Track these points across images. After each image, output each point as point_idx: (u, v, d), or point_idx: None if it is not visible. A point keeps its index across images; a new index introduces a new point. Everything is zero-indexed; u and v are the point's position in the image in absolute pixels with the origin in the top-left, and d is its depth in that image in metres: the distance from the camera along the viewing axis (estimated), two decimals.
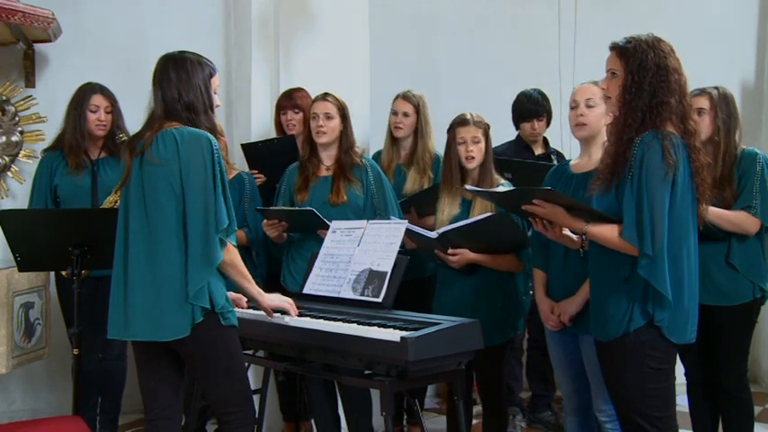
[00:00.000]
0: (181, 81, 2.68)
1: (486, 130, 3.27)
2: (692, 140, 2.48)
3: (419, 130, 3.99)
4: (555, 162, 4.32)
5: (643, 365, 2.47)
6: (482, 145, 3.26)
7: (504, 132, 4.34)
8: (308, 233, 3.56)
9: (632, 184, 2.43)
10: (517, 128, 4.39)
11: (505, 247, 3.17)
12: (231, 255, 2.69)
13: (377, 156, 4.17)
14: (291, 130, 4.05)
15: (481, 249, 3.14)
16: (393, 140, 4.07)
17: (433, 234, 3.13)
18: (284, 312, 2.98)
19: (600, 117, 2.93)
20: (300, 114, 4.01)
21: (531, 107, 4.29)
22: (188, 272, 2.58)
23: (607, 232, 2.49)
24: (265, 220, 3.58)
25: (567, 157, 4.38)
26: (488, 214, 3.10)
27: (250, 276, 2.80)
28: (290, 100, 4.07)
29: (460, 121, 3.29)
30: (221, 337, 2.65)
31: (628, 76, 2.49)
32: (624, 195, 2.45)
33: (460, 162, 3.28)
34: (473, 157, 3.25)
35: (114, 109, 3.91)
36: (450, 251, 3.15)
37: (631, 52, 2.49)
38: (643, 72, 2.46)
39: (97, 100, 3.86)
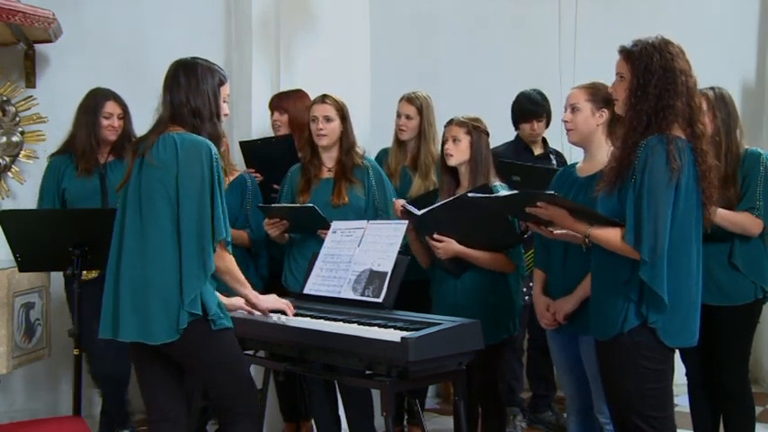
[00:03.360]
0: (190, 86, 2.69)
1: (469, 129, 3.26)
2: (699, 144, 2.47)
3: (422, 133, 3.98)
4: (554, 162, 4.32)
5: (639, 366, 2.48)
6: (463, 144, 3.26)
7: (505, 132, 4.34)
8: (309, 233, 3.56)
9: (635, 187, 2.43)
10: (516, 128, 4.39)
11: (494, 242, 3.16)
12: (227, 263, 2.71)
13: (381, 155, 4.18)
14: (277, 130, 4.09)
15: (470, 243, 3.14)
16: (399, 143, 4.07)
17: (419, 211, 3.14)
18: (282, 313, 2.98)
19: (586, 120, 2.90)
20: (286, 116, 4.03)
21: (530, 108, 4.28)
22: (183, 280, 2.59)
23: (610, 236, 2.48)
24: (267, 219, 3.58)
25: (566, 158, 4.39)
26: (466, 192, 3.09)
27: (245, 280, 2.83)
28: (275, 100, 4.11)
29: (447, 122, 3.34)
30: (213, 342, 2.65)
31: (634, 79, 2.49)
32: (627, 199, 2.45)
33: (446, 161, 3.31)
34: (451, 155, 3.27)
35: (126, 115, 3.93)
36: (436, 236, 3.15)
37: (637, 55, 2.49)
38: (648, 75, 2.46)
39: (111, 107, 3.87)
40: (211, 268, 2.62)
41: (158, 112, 2.75)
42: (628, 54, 2.52)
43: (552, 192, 2.64)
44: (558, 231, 2.69)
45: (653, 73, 2.45)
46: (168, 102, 2.71)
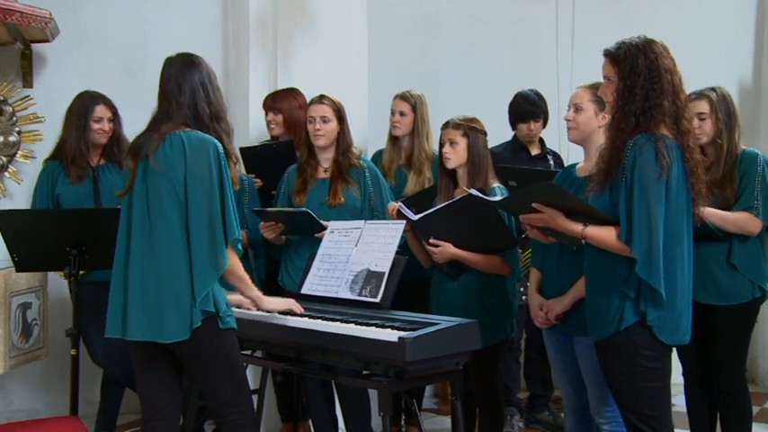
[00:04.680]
0: (185, 82, 2.68)
1: (466, 131, 3.25)
2: (685, 140, 2.49)
3: (416, 130, 3.99)
4: (551, 162, 4.32)
5: (636, 364, 2.48)
6: (460, 147, 3.25)
7: (504, 132, 4.34)
8: (305, 235, 3.56)
9: (626, 186, 2.44)
10: (513, 128, 4.38)
11: (491, 245, 3.16)
12: (233, 263, 2.70)
13: (377, 156, 4.18)
14: (272, 131, 4.09)
15: (467, 246, 3.14)
16: (393, 141, 4.08)
17: (415, 216, 3.14)
18: (289, 313, 2.98)
19: (589, 120, 2.91)
20: (280, 116, 4.04)
21: (528, 108, 4.28)
22: (194, 278, 2.59)
23: (605, 235, 2.49)
24: (262, 222, 3.58)
25: (563, 158, 4.39)
26: (465, 194, 3.08)
27: (250, 281, 2.82)
28: (269, 101, 4.10)
29: (443, 124, 3.33)
30: (220, 341, 2.65)
31: (620, 82, 2.50)
32: (619, 198, 2.46)
33: (445, 164, 3.31)
34: (448, 158, 3.27)
35: (116, 118, 3.92)
36: (432, 240, 3.15)
37: (622, 58, 2.50)
38: (634, 77, 2.47)
39: (100, 111, 3.85)
40: (224, 265, 2.62)
41: (154, 111, 2.74)
42: (613, 57, 2.54)
43: (550, 183, 2.65)
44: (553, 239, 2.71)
45: (638, 74, 2.47)
46: (164, 100, 2.71)
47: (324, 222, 3.42)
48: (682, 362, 3.37)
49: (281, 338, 3.00)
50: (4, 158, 4.47)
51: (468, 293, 3.21)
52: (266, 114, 4.12)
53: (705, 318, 3.11)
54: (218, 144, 2.65)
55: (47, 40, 4.34)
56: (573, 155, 3.46)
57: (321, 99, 3.63)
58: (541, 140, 4.43)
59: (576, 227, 2.54)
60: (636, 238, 2.41)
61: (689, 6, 5.25)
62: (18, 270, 3.50)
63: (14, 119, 4.50)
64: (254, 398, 3.38)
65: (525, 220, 2.68)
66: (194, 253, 2.60)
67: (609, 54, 2.55)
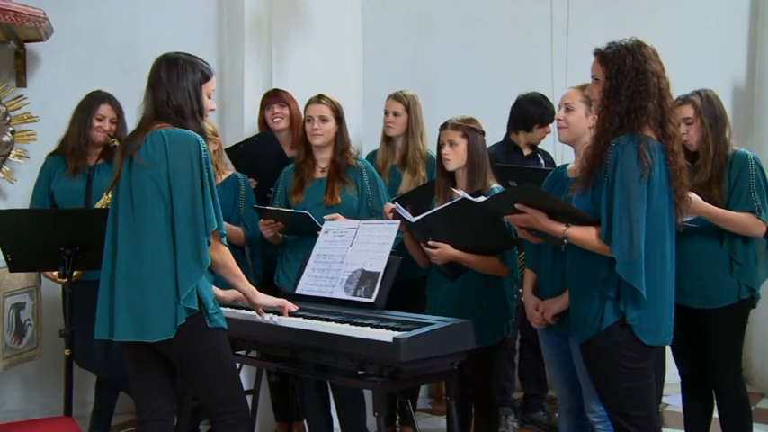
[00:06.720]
0: (170, 83, 2.67)
1: (465, 132, 3.24)
2: (670, 144, 2.50)
3: (410, 130, 4.00)
4: (542, 162, 4.33)
5: (618, 365, 2.49)
6: (460, 148, 3.24)
7: (499, 131, 4.33)
8: (304, 235, 3.56)
9: (607, 186, 2.45)
10: (518, 132, 4.32)
11: (489, 246, 3.16)
12: (223, 255, 2.70)
13: (371, 156, 4.18)
14: (277, 125, 4.06)
15: (464, 247, 3.14)
16: (387, 141, 4.08)
17: (413, 219, 3.14)
18: (277, 312, 2.97)
19: (579, 120, 2.93)
20: (287, 108, 4.04)
21: (539, 112, 4.23)
22: (179, 274, 2.58)
23: (586, 236, 2.50)
24: (262, 220, 3.58)
25: (555, 159, 4.39)
26: (458, 198, 3.09)
27: (242, 274, 2.81)
28: (274, 96, 4.10)
29: (442, 125, 3.32)
30: (208, 340, 2.64)
31: (607, 81, 2.52)
32: (601, 198, 2.47)
33: (444, 166, 3.30)
34: (448, 160, 3.26)
35: (119, 120, 3.93)
36: (430, 242, 3.15)
37: (610, 58, 2.52)
38: (621, 77, 2.49)
39: (104, 110, 3.89)
40: (207, 261, 2.61)
41: (142, 111, 2.74)
42: (602, 56, 2.56)
43: (530, 184, 2.66)
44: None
45: (625, 75, 2.48)
46: (151, 99, 2.71)
47: (321, 226, 3.42)
48: (677, 362, 3.37)
49: (276, 338, 2.99)
50: None
51: (465, 294, 3.20)
52: (268, 109, 4.09)
53: (694, 320, 3.11)
54: (200, 139, 2.65)
55: (41, 40, 4.33)
56: (568, 155, 3.46)
57: (320, 99, 3.64)
58: None
59: (559, 227, 2.55)
60: (616, 238, 2.42)
61: (683, 8, 5.26)
62: (11, 270, 3.49)
63: (8, 118, 4.48)
64: (249, 398, 3.39)
65: (509, 221, 2.69)
66: (179, 249, 2.59)
67: (598, 53, 2.57)
